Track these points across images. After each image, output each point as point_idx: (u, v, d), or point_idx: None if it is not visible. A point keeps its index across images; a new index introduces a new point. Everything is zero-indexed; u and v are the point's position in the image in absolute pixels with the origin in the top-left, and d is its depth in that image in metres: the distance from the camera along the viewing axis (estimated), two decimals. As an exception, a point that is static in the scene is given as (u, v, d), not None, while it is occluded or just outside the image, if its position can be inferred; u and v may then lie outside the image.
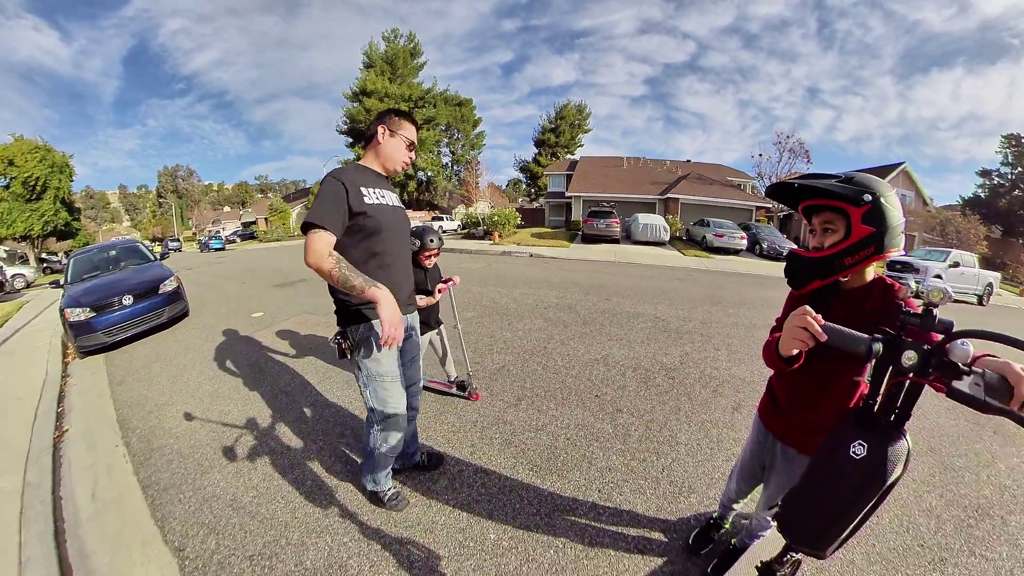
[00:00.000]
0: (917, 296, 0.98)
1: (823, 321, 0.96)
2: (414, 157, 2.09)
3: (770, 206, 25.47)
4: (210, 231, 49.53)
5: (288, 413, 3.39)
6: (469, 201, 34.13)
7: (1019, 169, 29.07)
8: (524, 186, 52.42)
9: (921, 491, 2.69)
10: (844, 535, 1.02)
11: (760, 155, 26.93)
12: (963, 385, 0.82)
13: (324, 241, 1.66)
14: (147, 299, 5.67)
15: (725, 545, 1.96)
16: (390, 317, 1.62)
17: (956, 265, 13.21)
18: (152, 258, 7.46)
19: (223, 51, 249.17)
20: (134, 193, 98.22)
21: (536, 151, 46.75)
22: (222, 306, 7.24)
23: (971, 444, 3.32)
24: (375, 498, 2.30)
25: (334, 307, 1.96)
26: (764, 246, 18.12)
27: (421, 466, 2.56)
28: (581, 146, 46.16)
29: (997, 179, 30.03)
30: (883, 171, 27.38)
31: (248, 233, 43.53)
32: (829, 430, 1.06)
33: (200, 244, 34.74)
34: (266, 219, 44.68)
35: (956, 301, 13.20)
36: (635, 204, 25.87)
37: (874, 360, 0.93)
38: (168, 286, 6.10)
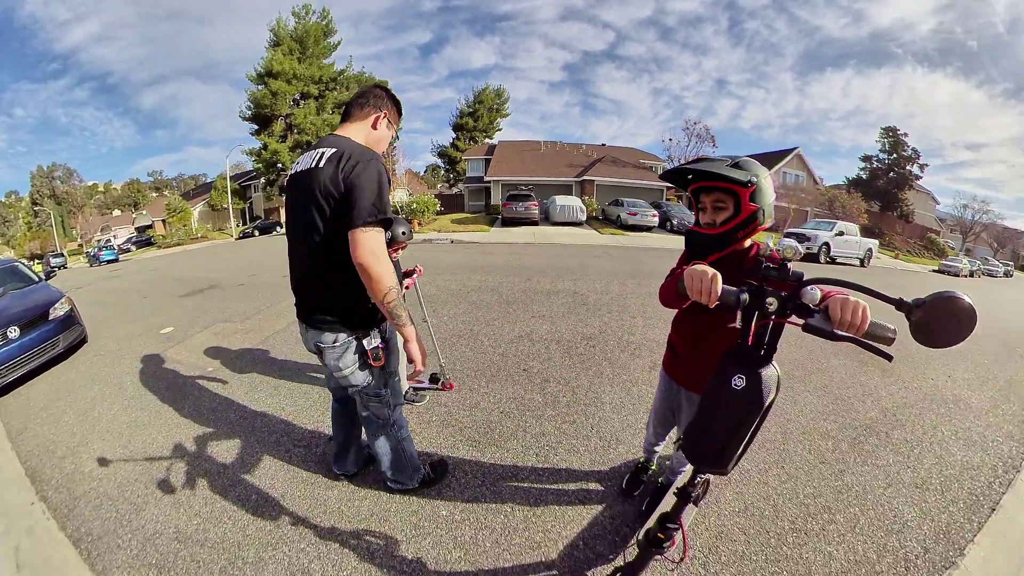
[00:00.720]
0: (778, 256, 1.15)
1: (719, 289, 1.09)
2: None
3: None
4: (99, 240, 41.63)
5: (218, 430, 3.06)
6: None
7: (894, 156, 34.97)
8: (443, 172, 50.90)
9: (819, 420, 3.15)
10: (739, 453, 1.21)
11: (670, 140, 29.04)
12: (815, 321, 1.01)
13: (384, 242, 1.51)
14: (36, 329, 4.63)
15: (654, 484, 2.23)
16: (424, 353, 1.67)
17: (841, 234, 15.71)
18: (35, 279, 6.13)
19: (105, 23, 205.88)
20: (2, 202, 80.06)
21: (454, 136, 45.53)
22: (125, 326, 6.19)
23: (857, 379, 3.92)
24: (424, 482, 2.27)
25: (339, 314, 1.70)
26: (674, 222, 19.60)
27: (427, 481, 2.30)
28: (499, 130, 45.73)
29: (876, 163, 35.85)
30: (779, 155, 30.61)
31: (144, 239, 37.00)
32: (717, 366, 1.21)
33: (89, 257, 29.03)
34: (164, 221, 38.83)
35: (843, 263, 15.70)
36: (553, 187, 26.43)
37: (743, 307, 1.11)
38: (59, 310, 5.03)
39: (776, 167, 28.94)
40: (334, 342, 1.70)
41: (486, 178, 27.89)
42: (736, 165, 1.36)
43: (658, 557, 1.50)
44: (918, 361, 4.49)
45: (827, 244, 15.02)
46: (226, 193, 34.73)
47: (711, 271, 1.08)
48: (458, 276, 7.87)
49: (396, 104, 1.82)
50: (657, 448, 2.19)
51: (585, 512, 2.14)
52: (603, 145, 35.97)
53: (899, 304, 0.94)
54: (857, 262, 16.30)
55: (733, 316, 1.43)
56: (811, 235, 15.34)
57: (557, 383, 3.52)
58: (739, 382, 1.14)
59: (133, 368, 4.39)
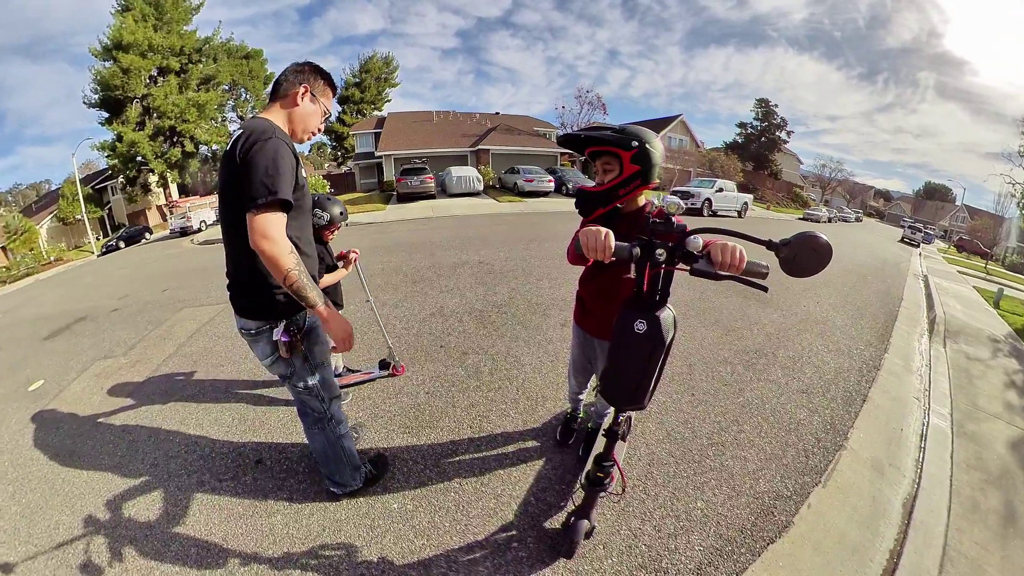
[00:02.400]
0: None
1: (612, 244, 1.18)
2: (322, 130, 1.83)
3: (571, 152, 28.17)
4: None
5: (130, 487, 2.53)
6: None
7: (766, 123, 41.31)
8: (329, 150, 46.77)
9: (716, 349, 3.62)
10: (651, 388, 1.36)
11: (564, 107, 29.76)
12: (700, 265, 1.14)
13: (283, 224, 1.42)
14: None
15: (585, 430, 2.43)
16: (343, 335, 1.58)
17: (721, 191, 18.27)
18: None
19: None
20: None
21: (340, 109, 41.66)
22: (-17, 391, 4.65)
23: (743, 312, 4.53)
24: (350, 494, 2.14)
25: (250, 300, 1.65)
26: (569, 186, 20.50)
27: (370, 479, 2.20)
28: (389, 101, 42.70)
29: (750, 130, 42.20)
30: (665, 121, 32.99)
31: (-23, 278, 27.52)
32: (619, 315, 1.32)
33: None
34: (3, 248, 29.67)
35: (723, 215, 18.03)
36: (448, 158, 25.74)
37: (636, 260, 1.21)
38: None
39: (662, 132, 31.27)
40: (251, 330, 1.68)
41: (377, 153, 26.17)
42: (622, 132, 1.48)
43: (603, 494, 1.67)
44: (793, 292, 5.26)
45: (709, 199, 17.30)
46: (78, 201, 26.85)
47: (603, 230, 1.17)
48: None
49: (322, 75, 1.71)
50: (581, 396, 2.33)
51: (529, 469, 2.24)
52: (497, 114, 35.69)
53: (768, 244, 1.08)
54: (735, 214, 19.07)
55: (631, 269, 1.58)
56: (695, 192, 17.45)
57: (476, 354, 3.51)
58: (640, 326, 1.26)
59: (5, 443, 3.37)
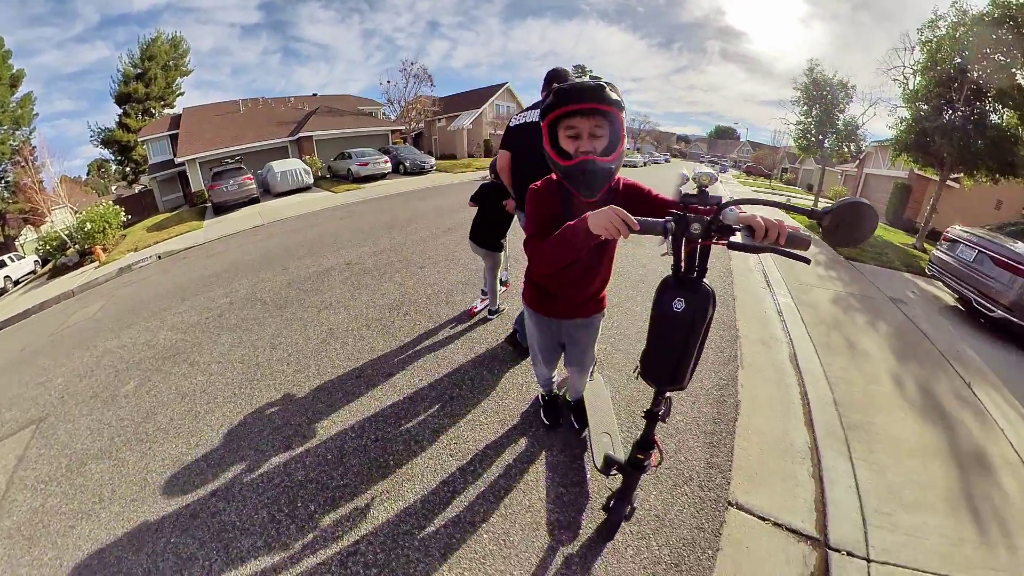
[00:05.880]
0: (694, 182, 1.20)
1: (634, 219, 1.08)
2: None
3: (403, 128, 26.78)
4: None
5: None
6: (37, 217, 21.05)
7: None
8: (114, 167, 36.42)
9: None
10: (692, 367, 1.32)
11: (388, 82, 27.63)
12: (737, 238, 1.09)
13: None
14: None
15: (566, 406, 2.48)
16: None
17: None
18: None
19: None
20: None
21: (121, 110, 32.00)
22: None
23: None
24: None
25: None
26: (407, 164, 19.55)
27: None
28: (182, 94, 33.62)
29: None
30: (493, 89, 33.01)
31: None
32: (656, 294, 1.29)
33: None
34: None
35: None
36: (265, 152, 22.29)
37: (671, 235, 1.15)
38: None
39: (491, 99, 31.29)
40: None
41: (178, 160, 21.17)
42: (607, 86, 1.24)
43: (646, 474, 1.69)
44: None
45: None
46: None
47: (616, 208, 1.09)
48: (194, 304, 5.52)
49: None
50: (553, 377, 2.33)
51: (538, 464, 2.20)
52: (314, 95, 31.69)
53: (810, 213, 1.06)
54: None
55: (606, 247, 1.55)
56: None
57: (402, 371, 3.08)
58: (679, 304, 1.23)
59: None
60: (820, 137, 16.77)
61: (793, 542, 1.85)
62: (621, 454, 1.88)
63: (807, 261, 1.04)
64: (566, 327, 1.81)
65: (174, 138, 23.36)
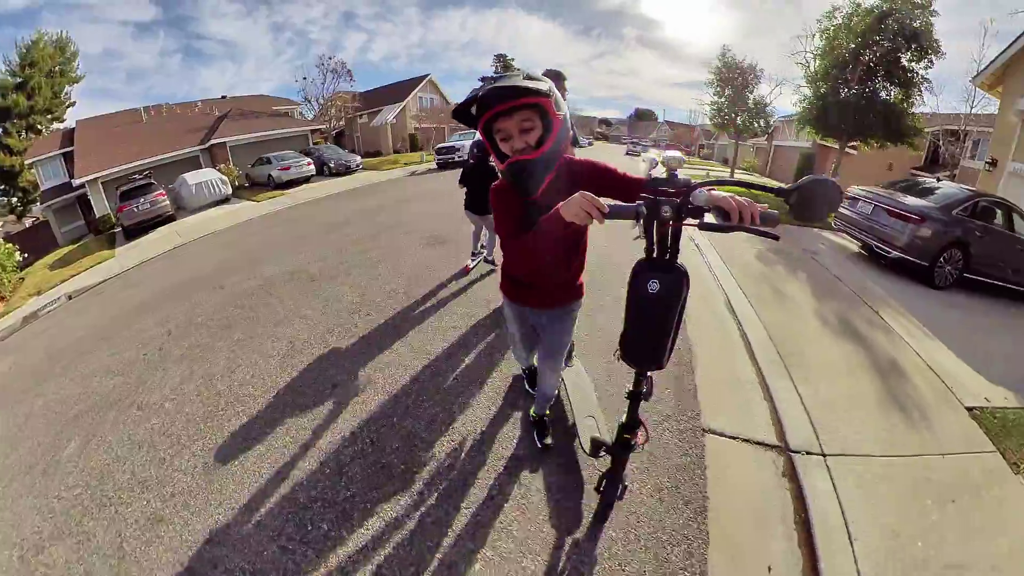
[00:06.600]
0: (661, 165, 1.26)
1: (605, 204, 1.09)
2: None
3: (323, 127, 25.58)
4: None
5: None
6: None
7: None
8: None
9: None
10: (670, 346, 1.35)
11: (305, 79, 25.87)
12: (709, 218, 1.11)
13: None
14: None
15: (531, 422, 2.36)
16: None
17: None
18: None
19: None
20: None
21: None
22: None
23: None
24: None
25: None
26: (332, 165, 18.74)
27: None
28: (72, 105, 28.16)
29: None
30: (415, 81, 32.06)
31: None
32: (631, 277, 1.29)
33: None
34: None
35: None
36: (175, 164, 20.26)
37: (642, 219, 1.16)
38: None
39: (414, 92, 30.49)
40: None
41: (76, 182, 18.58)
42: (529, 78, 1.25)
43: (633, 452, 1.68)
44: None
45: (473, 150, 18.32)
46: None
47: (586, 194, 1.09)
48: (124, 341, 4.73)
49: None
50: (532, 360, 2.29)
51: (533, 449, 2.21)
52: (223, 98, 29.17)
53: (778, 192, 1.09)
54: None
55: (580, 234, 1.52)
56: (458, 145, 17.98)
57: (379, 371, 2.98)
58: (654, 286, 1.24)
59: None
60: (733, 115, 18.26)
61: (762, 452, 2.18)
62: (607, 436, 1.90)
63: (776, 238, 1.08)
64: (544, 315, 1.79)
65: (68, 157, 20.58)
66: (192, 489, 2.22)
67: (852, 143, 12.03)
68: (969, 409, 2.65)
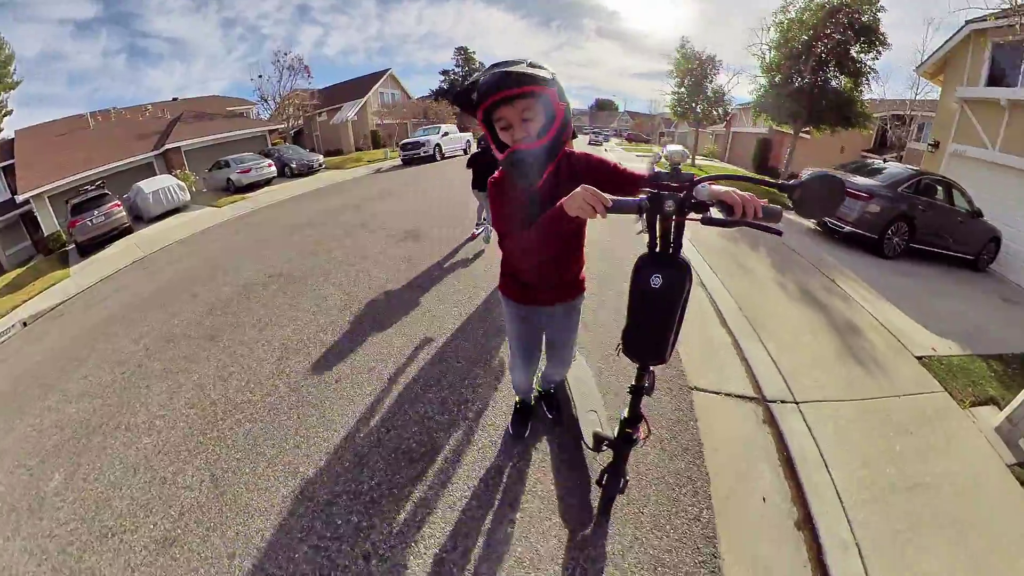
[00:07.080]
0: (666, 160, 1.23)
1: (607, 197, 1.08)
2: None
3: (281, 127, 24.88)
4: None
5: None
6: None
7: (466, 69, 42.55)
8: None
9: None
10: (673, 340, 1.34)
11: (260, 76, 24.94)
12: (711, 213, 1.10)
13: None
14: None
15: (540, 396, 2.35)
16: None
17: (447, 134, 19.27)
18: None
19: None
20: None
21: None
22: None
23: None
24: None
25: None
26: (293, 165, 18.32)
27: None
28: (9, 113, 26.39)
29: (454, 75, 43.48)
30: (376, 76, 31.25)
31: None
32: (633, 271, 1.28)
33: None
34: None
35: (452, 156, 18.81)
36: (128, 172, 19.20)
37: (645, 213, 1.16)
38: None
39: (374, 88, 29.86)
40: None
41: (19, 197, 17.14)
42: (532, 66, 1.20)
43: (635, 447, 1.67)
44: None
45: (439, 145, 18.19)
46: None
47: (588, 187, 1.09)
48: (96, 362, 4.44)
49: None
50: (532, 388, 2.18)
51: (540, 464, 2.13)
52: (175, 100, 27.75)
53: (780, 187, 1.10)
54: (462, 152, 20.48)
55: (579, 229, 1.50)
56: (424, 140, 18.13)
57: (381, 362, 3.02)
58: (656, 280, 1.23)
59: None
60: (693, 104, 18.88)
61: (743, 404, 2.46)
62: (609, 430, 1.90)
63: (779, 233, 1.05)
64: (549, 314, 1.75)
65: (9, 170, 19.08)
66: (203, 504, 2.10)
67: (805, 129, 12.75)
68: (919, 358, 2.99)
